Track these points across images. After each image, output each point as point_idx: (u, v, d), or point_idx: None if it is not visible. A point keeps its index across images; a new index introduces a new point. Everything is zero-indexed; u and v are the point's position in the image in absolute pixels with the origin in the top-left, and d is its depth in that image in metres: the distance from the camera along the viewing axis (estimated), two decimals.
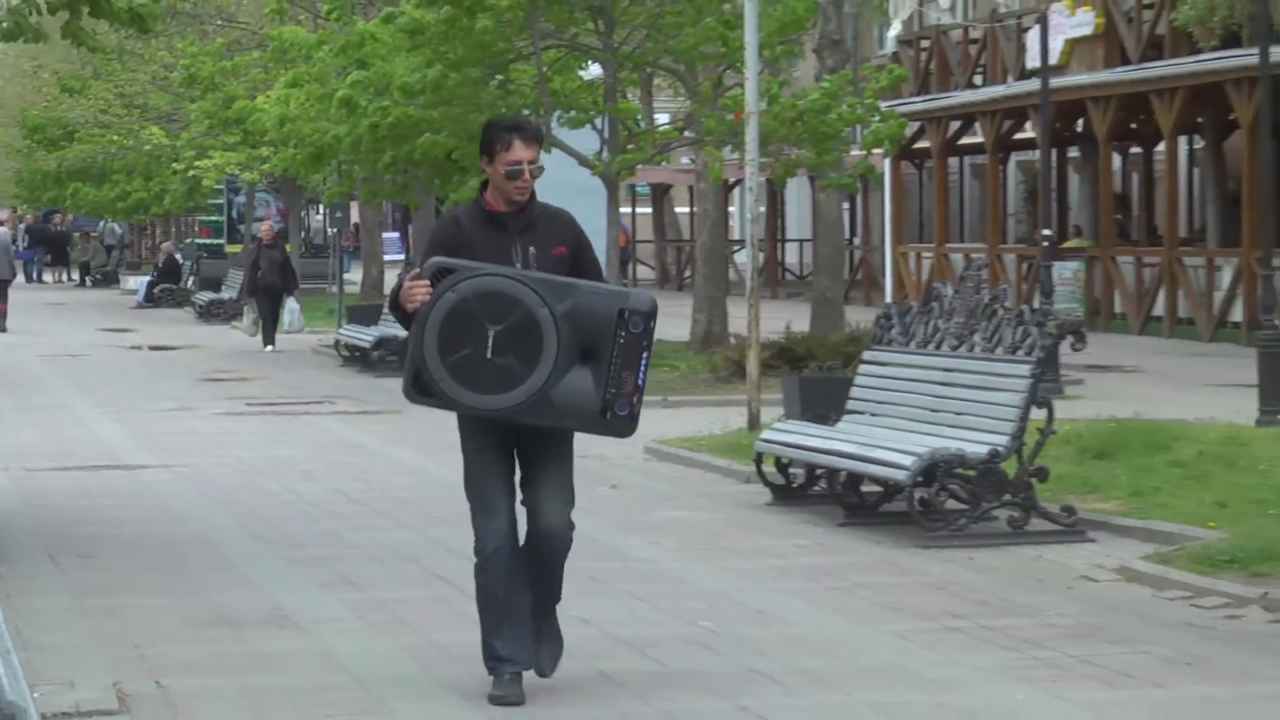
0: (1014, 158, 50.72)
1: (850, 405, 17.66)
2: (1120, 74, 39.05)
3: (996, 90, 43.28)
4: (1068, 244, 41.80)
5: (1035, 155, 42.04)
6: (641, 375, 9.49)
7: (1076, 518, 15.55)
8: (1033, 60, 36.66)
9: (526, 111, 28.84)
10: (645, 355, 9.55)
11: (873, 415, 17.30)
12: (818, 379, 20.40)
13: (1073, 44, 39.78)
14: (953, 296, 17.27)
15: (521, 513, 9.98)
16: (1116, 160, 46.80)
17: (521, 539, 9.97)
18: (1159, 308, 38.71)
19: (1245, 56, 31.81)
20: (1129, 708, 10.06)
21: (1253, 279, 33.68)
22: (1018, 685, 10.51)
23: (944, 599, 13.02)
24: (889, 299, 41.51)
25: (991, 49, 44.52)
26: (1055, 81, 34.71)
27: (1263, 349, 22.17)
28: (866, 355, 18.17)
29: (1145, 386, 26.92)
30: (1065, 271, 37.81)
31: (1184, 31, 35.40)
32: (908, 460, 15.46)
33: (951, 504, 15.51)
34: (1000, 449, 15.41)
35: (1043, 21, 31.83)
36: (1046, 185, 36.12)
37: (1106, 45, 39.99)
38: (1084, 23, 39.74)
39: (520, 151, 9.81)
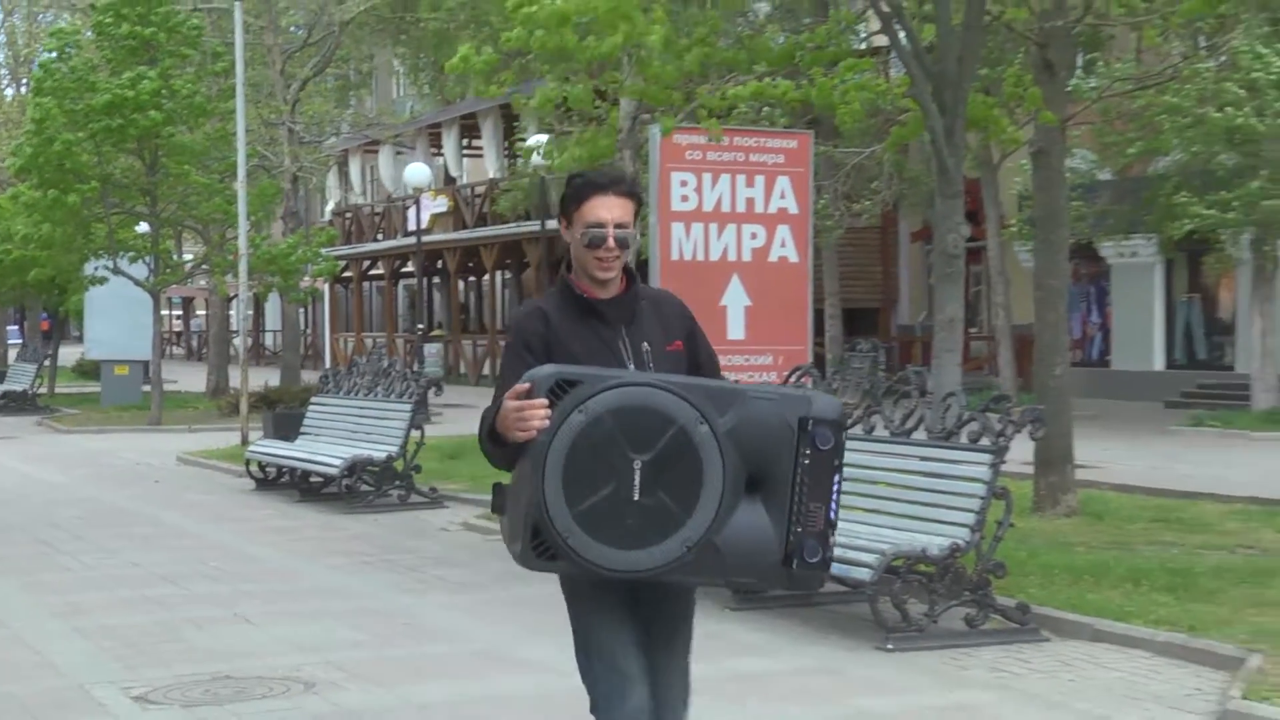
0: (401, 283, 50.61)
1: (304, 429, 17.35)
2: (463, 235, 39.46)
3: (391, 243, 43.27)
4: (433, 333, 41.98)
5: (414, 282, 42.04)
6: (834, 507, 4.23)
7: (438, 494, 15.55)
8: (411, 226, 36.73)
9: (101, 254, 27.75)
10: (838, 480, 4.24)
11: (317, 436, 17.03)
12: (284, 414, 19.97)
13: (435, 217, 40.02)
14: (365, 363, 17.21)
15: None
16: (461, 285, 47.20)
17: None
18: (488, 370, 39.16)
19: (533, 225, 32.51)
20: (476, 604, 10.01)
21: None
22: (407, 594, 10.41)
23: (360, 544, 12.83)
24: (327, 365, 40.96)
25: (388, 218, 44.51)
26: (425, 239, 34.83)
27: None
28: (313, 400, 17.92)
29: (479, 417, 27.09)
30: (431, 349, 37.89)
31: (498, 212, 36.00)
32: (338, 462, 15.27)
33: (364, 487, 15.34)
34: (393, 453, 15.34)
35: (417, 203, 31.92)
36: (421, 299, 36.26)
37: (455, 218, 40.41)
38: (441, 205, 40.12)
39: (602, 210, 4.33)
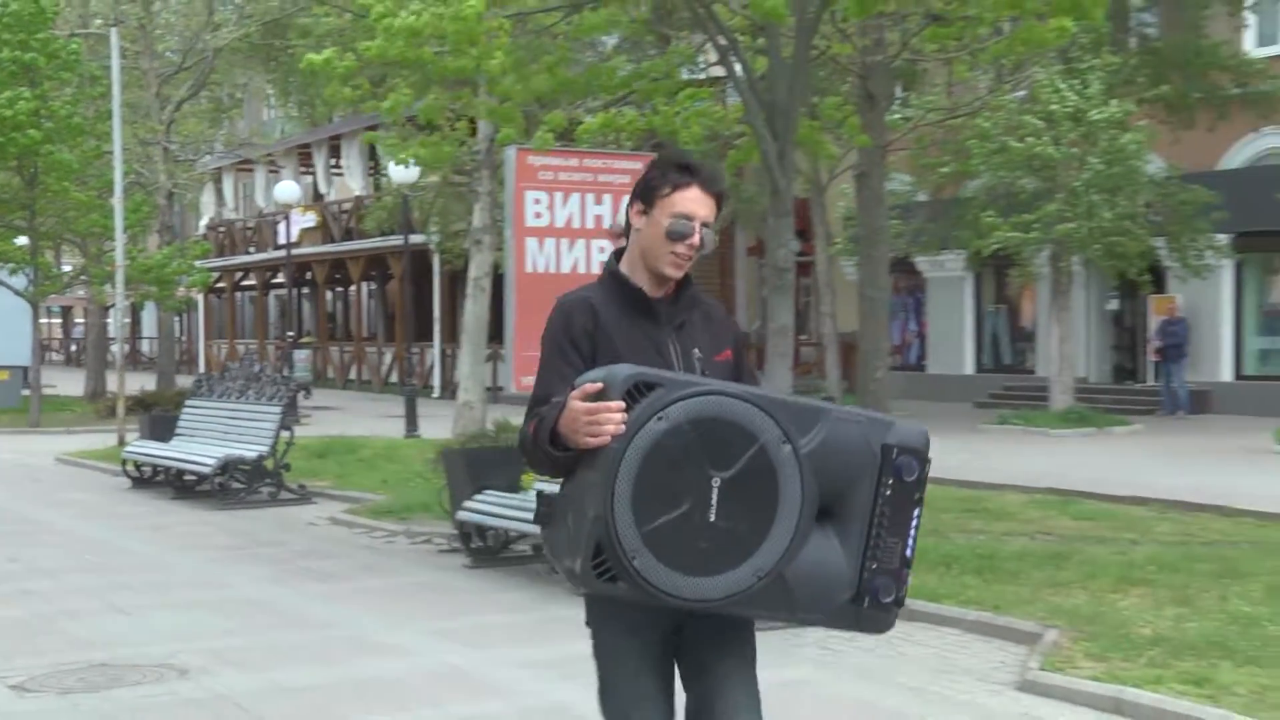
0: (272, 294, 49.78)
1: (179, 430, 16.99)
2: (330, 248, 38.89)
3: (262, 256, 42.54)
4: (302, 339, 41.36)
5: (284, 292, 41.40)
6: (911, 544, 3.44)
7: (306, 490, 15.36)
8: (282, 240, 36.17)
9: None
10: (917, 514, 3.45)
11: (191, 436, 16.69)
12: (160, 416, 19.51)
13: (305, 231, 39.45)
14: (237, 368, 16.90)
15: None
16: (329, 295, 46.57)
17: None
18: (354, 374, 38.69)
19: (396, 239, 32.19)
20: (342, 594, 9.88)
21: (401, 359, 34.13)
22: (276, 585, 10.25)
23: (232, 538, 12.61)
24: (202, 370, 40.17)
25: (259, 232, 43.77)
26: (295, 252, 34.34)
27: (406, 396, 22.51)
28: (188, 402, 17.52)
29: (345, 418, 26.80)
30: (301, 355, 37.32)
31: (364, 227, 35.64)
32: (211, 461, 15.00)
33: (236, 485, 15.10)
34: (263, 453, 15.11)
35: (287, 218, 31.47)
36: (291, 308, 35.71)
37: (323, 232, 39.84)
38: (310, 220, 39.56)
39: (694, 203, 3.49)
